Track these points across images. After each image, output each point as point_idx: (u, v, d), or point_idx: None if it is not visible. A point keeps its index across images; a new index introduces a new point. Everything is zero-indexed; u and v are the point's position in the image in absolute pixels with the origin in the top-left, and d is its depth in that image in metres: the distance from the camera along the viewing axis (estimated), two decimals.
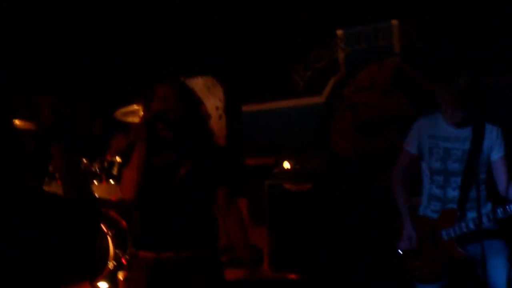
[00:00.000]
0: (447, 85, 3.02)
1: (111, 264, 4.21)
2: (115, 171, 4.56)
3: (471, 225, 2.99)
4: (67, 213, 1.91)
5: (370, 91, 4.97)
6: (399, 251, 3.25)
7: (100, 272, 4.17)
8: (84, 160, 4.59)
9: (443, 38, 4.62)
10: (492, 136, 3.05)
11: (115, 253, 4.26)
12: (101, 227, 4.24)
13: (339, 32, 5.14)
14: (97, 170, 4.55)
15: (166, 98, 2.90)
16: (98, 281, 4.13)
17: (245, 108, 5.56)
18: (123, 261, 4.35)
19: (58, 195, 1.98)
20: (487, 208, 3.04)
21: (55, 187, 4.51)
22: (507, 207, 2.92)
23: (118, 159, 4.62)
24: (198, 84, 5.91)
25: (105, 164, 4.56)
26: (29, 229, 1.81)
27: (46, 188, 4.39)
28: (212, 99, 5.81)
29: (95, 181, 4.52)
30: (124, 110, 4.57)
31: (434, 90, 3.12)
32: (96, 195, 4.63)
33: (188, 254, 2.76)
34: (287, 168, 4.71)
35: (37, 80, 5.69)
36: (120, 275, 3.97)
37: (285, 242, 4.58)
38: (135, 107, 4.53)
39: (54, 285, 1.87)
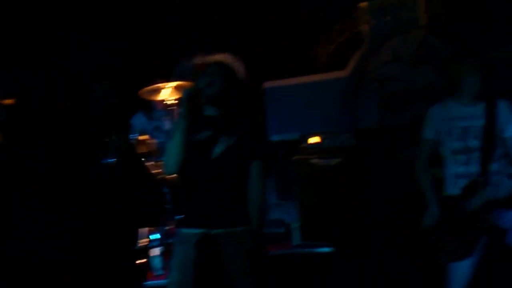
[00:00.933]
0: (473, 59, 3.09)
1: (144, 241, 4.20)
2: (142, 149, 4.53)
3: (495, 193, 3.03)
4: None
5: (395, 65, 4.93)
6: (426, 229, 3.27)
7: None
8: (111, 137, 4.57)
9: (469, 9, 4.58)
10: (504, 112, 3.12)
11: (148, 230, 4.27)
12: None
13: (363, 4, 5.07)
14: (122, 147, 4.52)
15: (208, 74, 2.95)
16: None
17: (267, 85, 5.50)
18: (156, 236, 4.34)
19: None
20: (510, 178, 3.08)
21: None
22: None
23: (144, 137, 4.60)
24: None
25: (132, 142, 4.53)
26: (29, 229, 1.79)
27: None
28: None
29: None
30: (148, 88, 4.54)
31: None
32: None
33: (225, 230, 2.78)
34: (315, 143, 4.67)
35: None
36: (155, 250, 3.95)
37: (314, 217, 4.56)
38: (160, 85, 4.51)
39: None
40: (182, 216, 2.90)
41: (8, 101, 4.52)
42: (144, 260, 4.01)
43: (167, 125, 5.19)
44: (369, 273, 4.17)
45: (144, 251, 4.17)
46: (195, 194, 2.83)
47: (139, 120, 5.22)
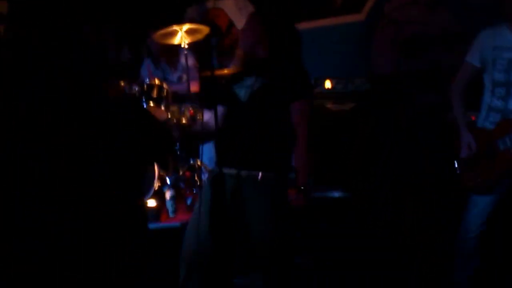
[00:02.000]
0: None
1: (156, 185, 4.22)
2: (154, 93, 4.48)
3: None
4: None
5: (413, 7, 4.81)
6: (455, 162, 3.23)
7: (148, 193, 4.20)
8: (122, 83, 4.50)
9: None
10: None
11: (159, 174, 4.27)
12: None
13: None
14: (137, 93, 4.47)
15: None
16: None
17: None
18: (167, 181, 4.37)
19: None
20: None
21: None
22: None
23: (157, 81, 4.55)
24: (228, 5, 5.73)
25: (145, 87, 4.47)
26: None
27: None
28: (244, 21, 5.61)
29: (151, 103, 4.46)
30: (163, 31, 4.47)
31: None
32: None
33: (248, 172, 2.78)
34: (328, 88, 4.61)
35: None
36: (167, 194, 3.99)
37: (326, 162, 4.54)
38: (174, 28, 4.43)
39: None
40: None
41: None
42: (156, 204, 4.05)
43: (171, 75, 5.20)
44: (378, 220, 4.18)
45: (155, 195, 4.20)
46: (226, 136, 2.83)
47: (147, 68, 5.18)
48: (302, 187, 2.78)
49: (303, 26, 5.27)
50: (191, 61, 4.98)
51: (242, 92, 2.89)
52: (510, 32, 3.04)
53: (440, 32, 4.65)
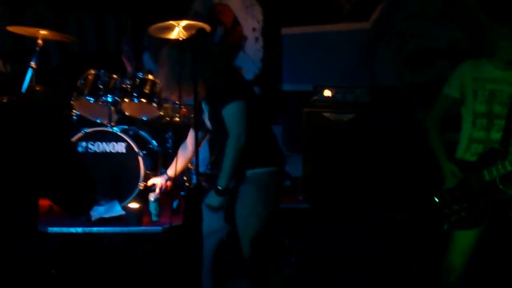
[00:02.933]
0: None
1: (142, 185, 4.07)
2: (147, 89, 4.33)
3: None
4: None
5: (420, 19, 4.66)
6: (435, 198, 3.11)
7: (130, 193, 4.06)
8: (115, 76, 4.36)
9: None
10: None
11: (145, 173, 4.12)
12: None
13: None
14: (128, 87, 4.33)
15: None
16: (129, 202, 4.02)
17: (285, 31, 5.25)
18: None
19: None
20: None
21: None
22: None
23: (151, 76, 4.40)
24: (235, 2, 5.60)
25: (137, 81, 4.33)
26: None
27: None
28: (249, 20, 5.49)
29: (125, 99, 4.30)
30: (159, 25, 4.31)
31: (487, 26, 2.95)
32: (127, 113, 4.45)
33: None
34: (328, 96, 4.47)
35: None
36: (151, 196, 3.83)
37: (319, 172, 4.42)
38: (171, 23, 4.28)
39: None
40: None
41: None
42: (139, 205, 3.90)
43: None
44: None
45: (140, 195, 4.06)
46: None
47: (145, 63, 5.04)
48: (216, 189, 2.96)
49: (307, 29, 5.14)
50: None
51: (207, 123, 3.14)
52: (490, 64, 3.00)
53: (447, 47, 4.50)
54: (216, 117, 3.01)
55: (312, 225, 4.27)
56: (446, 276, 3.14)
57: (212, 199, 2.98)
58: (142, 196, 4.07)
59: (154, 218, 3.82)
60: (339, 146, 4.37)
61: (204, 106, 3.11)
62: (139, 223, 3.79)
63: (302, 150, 4.51)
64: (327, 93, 4.47)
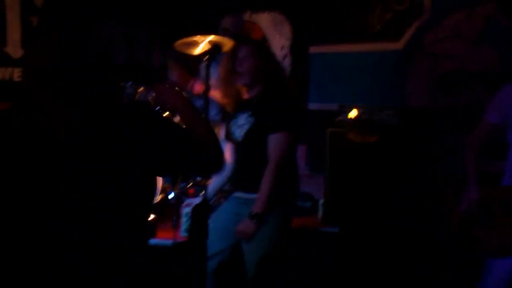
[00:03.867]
0: None
1: (158, 198, 4.05)
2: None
3: None
4: None
5: (455, 41, 4.50)
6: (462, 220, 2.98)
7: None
8: (141, 89, 4.38)
9: None
10: None
11: (163, 186, 4.09)
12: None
13: None
14: (152, 100, 4.34)
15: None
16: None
17: (313, 50, 5.18)
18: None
19: None
20: None
21: None
22: None
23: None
24: (264, 20, 5.57)
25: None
26: None
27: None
28: (278, 38, 5.44)
29: None
30: (184, 40, 4.31)
31: None
32: None
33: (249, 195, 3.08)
34: (353, 117, 4.35)
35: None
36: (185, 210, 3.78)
37: (342, 195, 4.28)
38: (196, 38, 4.27)
39: None
40: None
41: None
42: (154, 216, 3.86)
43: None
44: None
45: (157, 208, 4.03)
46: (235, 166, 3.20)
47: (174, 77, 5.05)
48: (254, 214, 2.88)
49: (336, 48, 5.06)
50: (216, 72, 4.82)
51: (236, 132, 3.10)
52: None
53: (482, 70, 4.32)
54: (255, 137, 2.99)
55: (332, 248, 4.15)
56: None
57: (247, 226, 2.91)
58: (158, 208, 4.05)
59: (184, 233, 3.75)
60: (363, 168, 4.23)
61: (247, 119, 3.04)
62: (153, 235, 3.75)
63: (325, 171, 4.38)
64: (353, 113, 4.35)
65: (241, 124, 3.05)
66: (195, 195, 4.09)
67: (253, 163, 2.99)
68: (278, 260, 3.07)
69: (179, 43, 4.33)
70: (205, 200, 2.95)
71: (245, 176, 3.07)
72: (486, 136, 3.04)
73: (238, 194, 3.19)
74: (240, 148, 3.14)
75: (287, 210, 3.10)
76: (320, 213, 4.36)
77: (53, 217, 1.68)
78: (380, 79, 4.80)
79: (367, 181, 4.21)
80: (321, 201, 4.34)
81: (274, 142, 2.90)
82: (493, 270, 2.90)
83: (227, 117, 3.25)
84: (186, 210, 3.66)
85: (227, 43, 4.22)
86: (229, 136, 3.19)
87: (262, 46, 3.32)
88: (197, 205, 3.04)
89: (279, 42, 5.42)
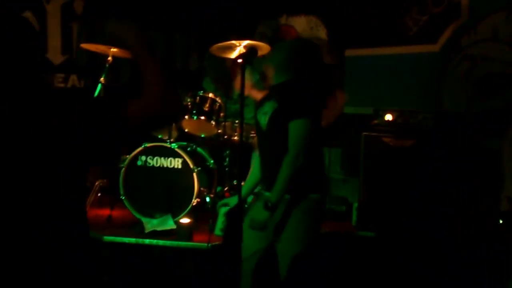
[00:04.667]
0: None
1: (195, 201, 4.12)
2: (206, 107, 4.40)
3: None
4: None
5: (492, 43, 4.43)
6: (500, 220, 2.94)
7: (184, 208, 4.12)
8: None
9: None
10: None
11: (199, 190, 4.16)
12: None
13: None
14: (189, 104, 4.41)
15: None
16: (181, 217, 4.08)
17: (349, 53, 5.17)
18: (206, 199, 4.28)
19: None
20: None
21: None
22: None
23: (211, 95, 4.46)
24: (300, 23, 5.57)
25: (197, 99, 4.40)
26: None
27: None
28: (314, 41, 5.45)
29: (186, 116, 4.39)
30: (220, 45, 4.37)
31: None
32: (186, 129, 4.53)
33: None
34: (388, 121, 4.33)
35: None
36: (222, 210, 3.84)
37: (377, 199, 4.27)
38: (233, 42, 4.32)
39: None
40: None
41: None
42: (190, 220, 3.94)
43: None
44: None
45: (193, 212, 4.11)
46: (261, 161, 3.09)
47: (210, 82, 5.11)
48: (267, 203, 2.82)
49: (372, 51, 5.03)
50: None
51: (262, 119, 3.00)
52: None
53: None
54: (276, 124, 2.92)
55: (367, 252, 4.14)
56: None
57: (260, 214, 2.86)
58: (194, 212, 4.13)
59: (218, 232, 3.82)
60: (398, 172, 4.20)
61: (268, 107, 2.98)
62: (189, 239, 3.83)
63: (359, 175, 4.37)
64: (388, 117, 4.33)
65: (266, 111, 2.97)
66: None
67: (278, 158, 2.87)
68: (311, 260, 3.04)
69: (215, 47, 4.41)
70: (240, 203, 2.93)
71: (270, 173, 2.95)
72: None
73: (267, 193, 3.06)
74: (264, 139, 3.05)
75: (309, 207, 2.94)
76: (354, 217, 4.37)
77: None
78: (416, 82, 4.76)
79: (402, 185, 4.18)
80: (356, 205, 4.34)
81: (293, 129, 2.81)
82: None
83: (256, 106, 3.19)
84: (223, 209, 3.70)
85: (263, 47, 4.27)
86: (257, 127, 3.10)
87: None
88: (231, 209, 3.06)
89: None
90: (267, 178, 2.98)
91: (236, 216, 2.88)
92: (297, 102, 2.85)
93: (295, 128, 2.81)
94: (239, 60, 2.91)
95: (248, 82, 3.03)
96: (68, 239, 1.77)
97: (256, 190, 3.25)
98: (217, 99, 4.46)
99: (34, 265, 1.71)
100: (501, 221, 2.99)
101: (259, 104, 3.09)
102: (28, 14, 5.31)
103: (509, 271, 3.04)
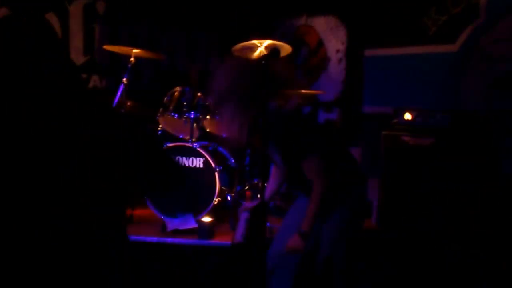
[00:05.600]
0: None
1: (216, 200, 4.19)
2: None
3: None
4: None
5: (511, 43, 4.44)
6: None
7: (205, 207, 4.19)
8: (199, 94, 4.54)
9: None
10: None
11: (221, 189, 4.23)
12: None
13: None
14: (210, 105, 4.48)
15: None
16: (203, 216, 4.15)
17: (368, 53, 5.21)
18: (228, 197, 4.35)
19: None
20: None
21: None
22: None
23: None
24: (320, 24, 5.64)
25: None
26: None
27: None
28: (334, 41, 5.51)
29: (207, 116, 4.46)
30: (242, 45, 4.42)
31: None
32: (208, 129, 4.61)
33: None
34: (408, 120, 4.36)
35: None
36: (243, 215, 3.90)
37: (397, 197, 4.31)
38: (254, 42, 4.38)
39: None
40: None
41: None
42: (212, 219, 4.01)
43: None
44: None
45: (215, 211, 4.18)
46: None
47: None
48: (302, 231, 2.89)
49: (391, 51, 5.07)
50: None
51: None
52: None
53: None
54: (289, 159, 2.99)
55: (387, 250, 4.18)
56: None
57: (297, 242, 2.91)
58: (216, 211, 4.20)
59: (240, 239, 3.85)
60: (417, 171, 4.24)
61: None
62: (211, 237, 3.90)
63: (379, 174, 4.41)
64: (408, 116, 4.37)
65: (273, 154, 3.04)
66: (252, 197, 4.22)
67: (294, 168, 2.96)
68: (343, 260, 3.07)
69: (237, 48, 4.47)
70: (263, 202, 3.01)
71: (298, 182, 3.04)
72: None
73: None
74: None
75: (348, 203, 3.02)
76: (374, 216, 4.41)
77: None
78: (435, 81, 4.79)
79: (422, 183, 4.21)
80: (376, 204, 4.38)
81: (306, 167, 2.89)
82: None
83: None
84: (244, 215, 3.76)
85: (285, 48, 4.32)
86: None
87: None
88: (255, 207, 3.12)
89: (335, 45, 5.48)
90: (299, 187, 3.10)
91: (260, 215, 2.94)
92: (297, 145, 2.90)
93: (308, 167, 2.88)
94: (263, 62, 2.91)
95: None
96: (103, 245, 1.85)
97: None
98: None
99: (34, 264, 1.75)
100: None
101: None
102: (50, 15, 5.43)
103: None
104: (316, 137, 3.06)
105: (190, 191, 4.25)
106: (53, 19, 5.42)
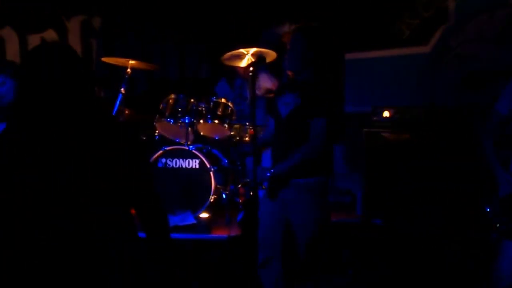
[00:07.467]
0: None
1: (212, 198, 4.51)
2: (219, 111, 4.79)
3: None
4: None
5: (478, 43, 4.80)
6: (487, 208, 3.23)
7: (203, 204, 4.50)
8: (192, 100, 4.85)
9: None
10: None
11: (216, 187, 4.55)
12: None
13: None
14: (203, 110, 4.80)
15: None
16: (201, 212, 4.46)
17: (348, 56, 5.56)
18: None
19: None
20: None
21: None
22: None
23: (223, 100, 4.84)
24: None
25: (211, 104, 4.79)
26: None
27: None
28: None
29: (201, 120, 4.78)
30: (230, 54, 4.73)
31: None
32: (202, 133, 4.92)
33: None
34: (386, 117, 4.71)
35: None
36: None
37: (379, 189, 4.63)
38: (241, 51, 4.68)
39: None
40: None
41: None
42: (208, 215, 4.33)
43: (248, 92, 5.44)
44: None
45: (211, 206, 4.49)
46: (274, 148, 3.32)
47: (222, 88, 5.50)
48: (272, 173, 3.09)
49: (369, 54, 5.41)
50: (270, 82, 5.23)
51: (282, 108, 3.24)
52: None
53: (505, 68, 4.60)
54: (297, 119, 3.11)
55: (370, 239, 4.46)
56: (495, 285, 3.16)
57: (262, 175, 3.11)
58: (212, 207, 4.52)
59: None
60: (398, 164, 4.56)
61: (290, 99, 3.16)
62: (208, 232, 4.22)
63: (362, 169, 4.75)
64: (386, 113, 4.71)
65: (288, 102, 3.16)
66: (246, 195, 4.56)
67: (294, 145, 3.07)
68: (326, 243, 3.23)
69: (225, 56, 4.75)
70: (255, 195, 3.03)
71: (282, 159, 3.13)
72: (496, 126, 3.15)
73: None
74: (282, 127, 3.23)
75: (319, 190, 3.16)
76: (358, 207, 4.75)
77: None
78: (410, 81, 5.14)
79: (402, 176, 4.53)
80: (360, 196, 4.71)
81: (316, 126, 3.03)
82: (508, 250, 3.04)
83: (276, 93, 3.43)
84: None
85: (270, 54, 4.62)
86: (273, 111, 3.31)
87: (315, 32, 3.22)
88: (247, 200, 3.34)
89: None
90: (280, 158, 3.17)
91: (251, 208, 3.13)
92: (323, 102, 3.10)
93: (317, 126, 3.05)
94: (251, 69, 3.17)
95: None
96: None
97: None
98: (229, 103, 4.85)
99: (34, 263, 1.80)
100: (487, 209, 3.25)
101: (279, 91, 3.37)
102: (50, 32, 5.74)
103: None
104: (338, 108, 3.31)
105: (188, 190, 4.57)
106: (52, 35, 5.73)
